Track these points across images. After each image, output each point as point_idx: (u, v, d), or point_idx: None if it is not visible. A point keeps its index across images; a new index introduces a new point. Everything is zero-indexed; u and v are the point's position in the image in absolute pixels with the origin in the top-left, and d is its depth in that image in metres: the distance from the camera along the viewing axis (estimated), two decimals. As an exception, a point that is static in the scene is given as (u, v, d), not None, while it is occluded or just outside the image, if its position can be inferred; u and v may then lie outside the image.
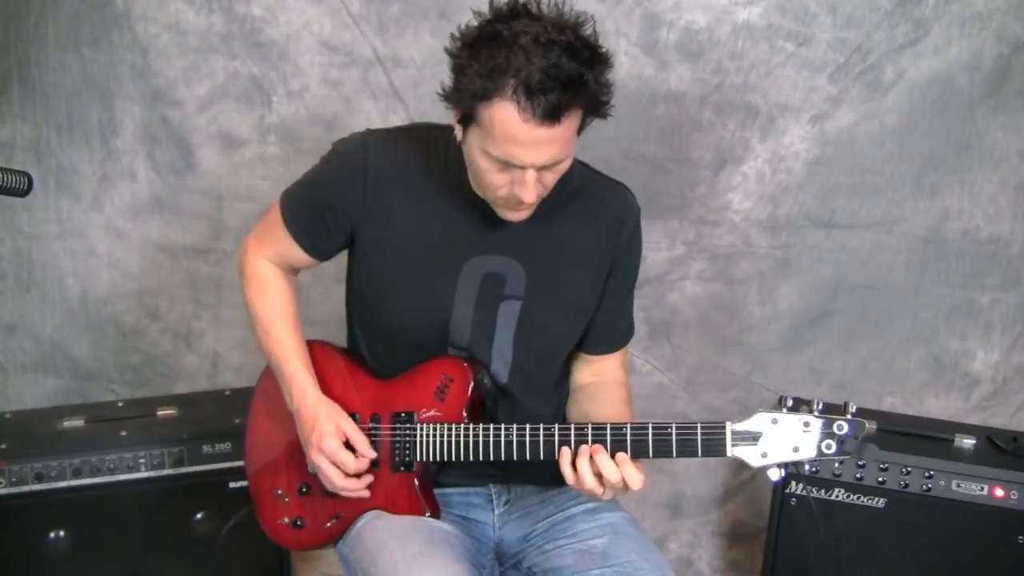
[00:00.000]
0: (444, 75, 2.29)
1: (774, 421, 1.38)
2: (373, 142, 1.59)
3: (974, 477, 2.05)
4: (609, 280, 1.65)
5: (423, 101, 2.36)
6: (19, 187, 1.29)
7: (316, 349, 1.69)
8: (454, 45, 1.41)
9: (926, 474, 2.07)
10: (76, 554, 2.04)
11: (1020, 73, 2.26)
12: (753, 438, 1.38)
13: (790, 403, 1.39)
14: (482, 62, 1.34)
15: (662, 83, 2.32)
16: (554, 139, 1.37)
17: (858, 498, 2.12)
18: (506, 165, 1.40)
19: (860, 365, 2.50)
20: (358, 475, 1.59)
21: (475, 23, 1.40)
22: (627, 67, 2.30)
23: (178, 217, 2.46)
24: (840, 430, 1.35)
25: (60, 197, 2.42)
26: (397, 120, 2.37)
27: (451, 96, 1.42)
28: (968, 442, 2.16)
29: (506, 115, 1.34)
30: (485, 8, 1.40)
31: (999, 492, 2.04)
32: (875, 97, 2.30)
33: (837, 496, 2.10)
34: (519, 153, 1.37)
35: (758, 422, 1.38)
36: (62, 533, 2.03)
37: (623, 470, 1.41)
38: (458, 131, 1.46)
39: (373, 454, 1.58)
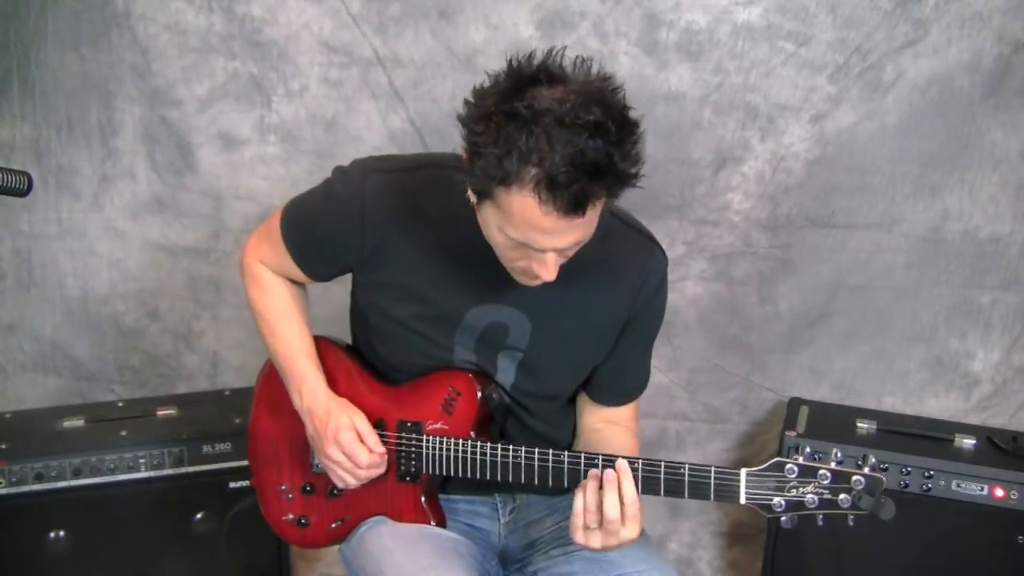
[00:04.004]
0: (444, 75, 2.33)
1: (791, 471, 1.34)
2: (372, 185, 1.49)
3: (974, 477, 2.05)
4: (622, 335, 1.59)
5: (423, 101, 2.36)
6: (19, 187, 1.29)
7: (321, 346, 1.67)
8: (468, 114, 1.28)
9: (926, 474, 2.07)
10: (76, 554, 2.05)
11: (1020, 73, 2.26)
12: (767, 487, 1.35)
13: (807, 450, 1.35)
14: (500, 145, 1.22)
15: (662, 83, 2.31)
16: (577, 226, 1.28)
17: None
18: (524, 246, 1.32)
19: (860, 365, 2.49)
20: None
21: (490, 85, 1.27)
22: (627, 67, 2.29)
23: (178, 217, 2.46)
24: (858, 485, 1.33)
25: (60, 197, 2.42)
26: (397, 120, 2.37)
27: (465, 172, 1.31)
28: (968, 442, 2.15)
29: (525, 204, 1.24)
30: (488, 56, 1.30)
31: (999, 492, 2.04)
32: (875, 97, 2.30)
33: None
34: (539, 239, 1.29)
35: (774, 471, 1.35)
36: (62, 533, 2.04)
37: (624, 486, 1.37)
38: (472, 196, 1.35)
39: (383, 449, 1.55)
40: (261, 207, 2.41)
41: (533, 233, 1.28)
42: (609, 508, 1.36)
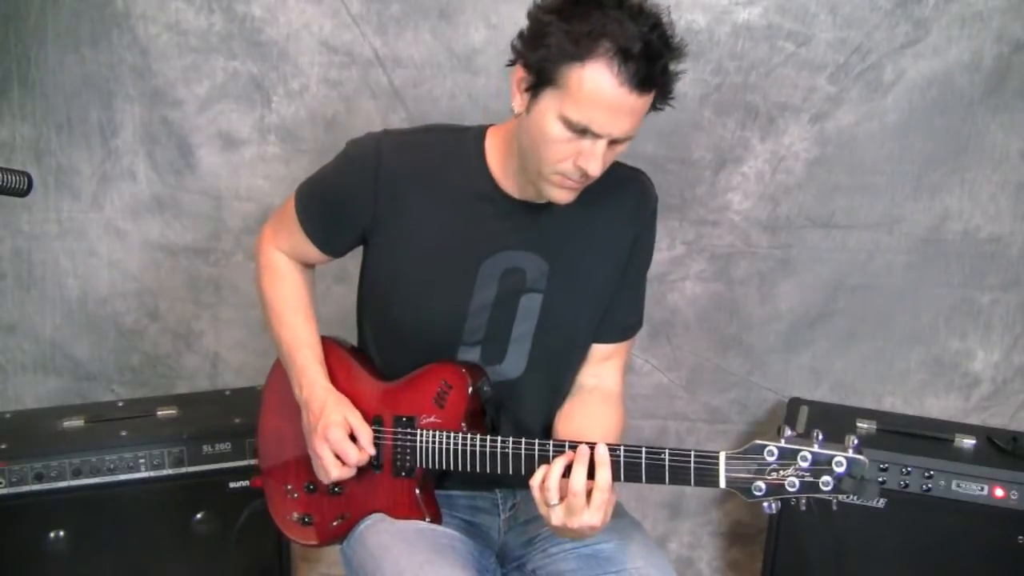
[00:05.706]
0: (444, 75, 2.33)
1: (770, 453, 1.32)
2: (386, 144, 1.56)
3: (974, 477, 2.05)
4: (627, 265, 1.64)
5: (423, 101, 2.36)
6: (19, 187, 1.29)
7: (325, 345, 1.69)
8: (536, 10, 1.38)
9: (926, 474, 2.07)
10: (76, 554, 2.04)
11: (1020, 73, 2.26)
12: (747, 470, 1.33)
13: (788, 433, 1.33)
14: (574, 25, 1.32)
15: (662, 83, 2.31)
16: (636, 110, 1.36)
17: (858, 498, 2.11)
18: (581, 133, 1.37)
19: (860, 365, 2.50)
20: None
21: None
22: (627, 67, 2.30)
23: (178, 217, 2.46)
24: (839, 467, 1.30)
25: (60, 197, 2.42)
26: (397, 120, 2.37)
27: (528, 57, 1.38)
28: (968, 442, 2.16)
29: (599, 77, 1.32)
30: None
31: (999, 492, 2.04)
32: (875, 97, 2.30)
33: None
34: (601, 119, 1.35)
35: (753, 453, 1.33)
36: (62, 533, 2.03)
37: (599, 472, 1.37)
38: (520, 101, 1.42)
39: (373, 450, 1.57)
40: (261, 207, 2.41)
41: (598, 112, 1.35)
42: (575, 480, 1.36)
